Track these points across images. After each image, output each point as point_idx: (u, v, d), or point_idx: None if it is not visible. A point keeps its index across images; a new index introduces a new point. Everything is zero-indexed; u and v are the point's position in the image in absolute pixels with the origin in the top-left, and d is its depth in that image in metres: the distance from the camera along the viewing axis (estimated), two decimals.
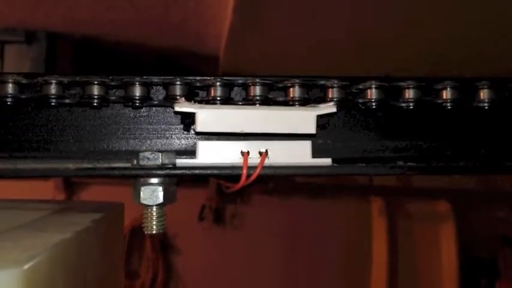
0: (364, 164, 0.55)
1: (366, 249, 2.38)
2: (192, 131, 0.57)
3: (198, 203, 2.42)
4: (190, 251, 2.46)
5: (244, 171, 0.52)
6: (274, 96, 0.55)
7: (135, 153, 0.54)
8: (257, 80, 0.53)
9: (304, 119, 0.52)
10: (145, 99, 0.54)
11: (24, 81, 0.52)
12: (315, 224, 2.44)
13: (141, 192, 0.54)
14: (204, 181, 2.34)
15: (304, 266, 2.46)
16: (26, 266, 0.38)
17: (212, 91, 0.53)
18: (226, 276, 2.42)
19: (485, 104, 0.55)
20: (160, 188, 0.54)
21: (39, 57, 2.03)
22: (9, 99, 0.52)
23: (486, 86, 0.55)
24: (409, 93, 0.54)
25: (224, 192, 2.35)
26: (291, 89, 0.54)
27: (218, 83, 0.53)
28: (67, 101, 0.53)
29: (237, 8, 1.55)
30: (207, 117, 0.51)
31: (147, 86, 0.53)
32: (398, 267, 2.36)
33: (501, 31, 1.47)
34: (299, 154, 0.54)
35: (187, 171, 0.53)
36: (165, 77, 0.54)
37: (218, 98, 0.53)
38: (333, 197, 2.42)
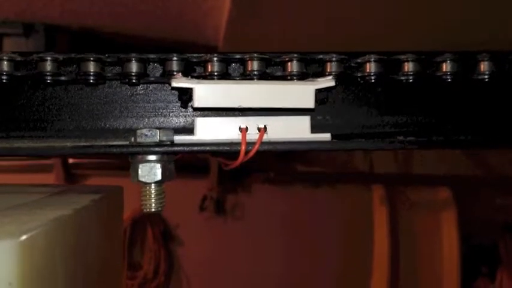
0: (363, 139, 0.55)
1: (367, 237, 2.38)
2: (190, 108, 0.56)
3: (199, 194, 2.42)
4: (191, 242, 2.47)
5: (243, 147, 0.52)
6: (272, 71, 0.54)
7: (132, 131, 0.54)
8: (255, 54, 0.53)
9: (302, 93, 0.51)
10: (142, 76, 0.53)
11: (19, 58, 0.52)
12: (316, 213, 2.44)
13: (139, 170, 0.53)
14: (204, 171, 2.34)
15: (305, 255, 2.46)
16: (23, 238, 0.38)
17: (209, 66, 0.53)
18: (228, 266, 2.42)
19: (486, 77, 0.54)
20: (158, 165, 0.53)
21: (38, 50, 2.02)
22: (4, 77, 0.52)
23: (486, 59, 0.54)
24: (409, 66, 0.53)
25: (225, 183, 2.35)
26: (289, 64, 0.53)
27: (215, 59, 0.53)
28: (63, 78, 0.53)
29: None
30: (205, 92, 0.50)
31: (143, 63, 0.53)
32: (400, 254, 2.36)
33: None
34: (298, 129, 0.54)
35: (186, 148, 0.53)
36: (161, 54, 0.53)
37: (215, 73, 0.53)
38: (334, 186, 2.41)
